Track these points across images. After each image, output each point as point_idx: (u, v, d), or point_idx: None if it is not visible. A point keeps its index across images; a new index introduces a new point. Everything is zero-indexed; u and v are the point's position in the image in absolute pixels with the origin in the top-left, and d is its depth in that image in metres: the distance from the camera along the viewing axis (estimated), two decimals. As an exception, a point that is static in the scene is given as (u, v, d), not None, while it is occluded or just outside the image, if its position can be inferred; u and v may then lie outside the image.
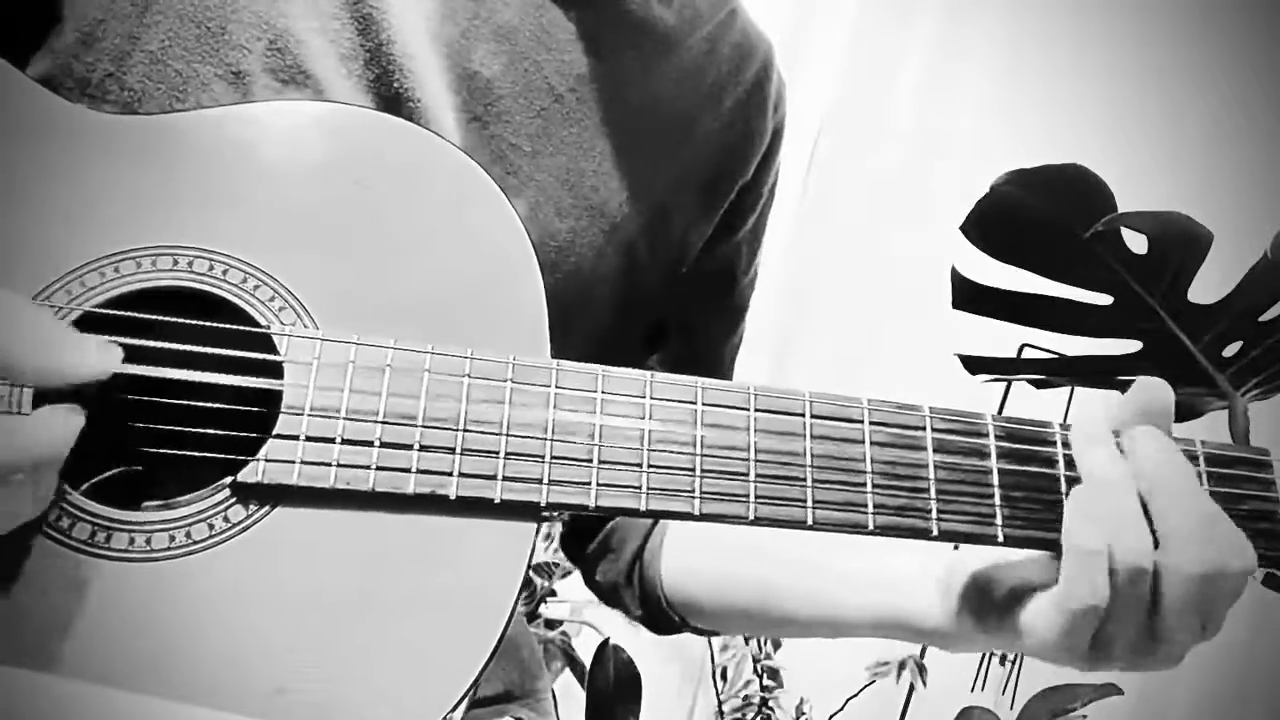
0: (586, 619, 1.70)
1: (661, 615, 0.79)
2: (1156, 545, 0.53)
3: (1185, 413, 0.73)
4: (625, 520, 0.82)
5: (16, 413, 0.48)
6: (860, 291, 2.12)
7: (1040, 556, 0.58)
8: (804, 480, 0.55)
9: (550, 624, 1.64)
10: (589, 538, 0.85)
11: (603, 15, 0.75)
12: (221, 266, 0.55)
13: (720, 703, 1.99)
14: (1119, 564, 0.53)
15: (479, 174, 0.59)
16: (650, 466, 0.54)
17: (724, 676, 2.01)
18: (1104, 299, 0.69)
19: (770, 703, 1.99)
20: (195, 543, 0.50)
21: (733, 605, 0.76)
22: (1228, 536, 0.54)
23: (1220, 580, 0.53)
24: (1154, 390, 0.58)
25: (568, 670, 1.59)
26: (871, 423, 0.56)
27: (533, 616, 1.58)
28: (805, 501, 0.54)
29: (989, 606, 0.60)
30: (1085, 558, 0.53)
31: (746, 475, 0.54)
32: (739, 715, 2.00)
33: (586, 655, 1.42)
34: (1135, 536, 0.53)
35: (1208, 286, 0.67)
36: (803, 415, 0.56)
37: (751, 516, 0.54)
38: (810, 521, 0.54)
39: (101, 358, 0.48)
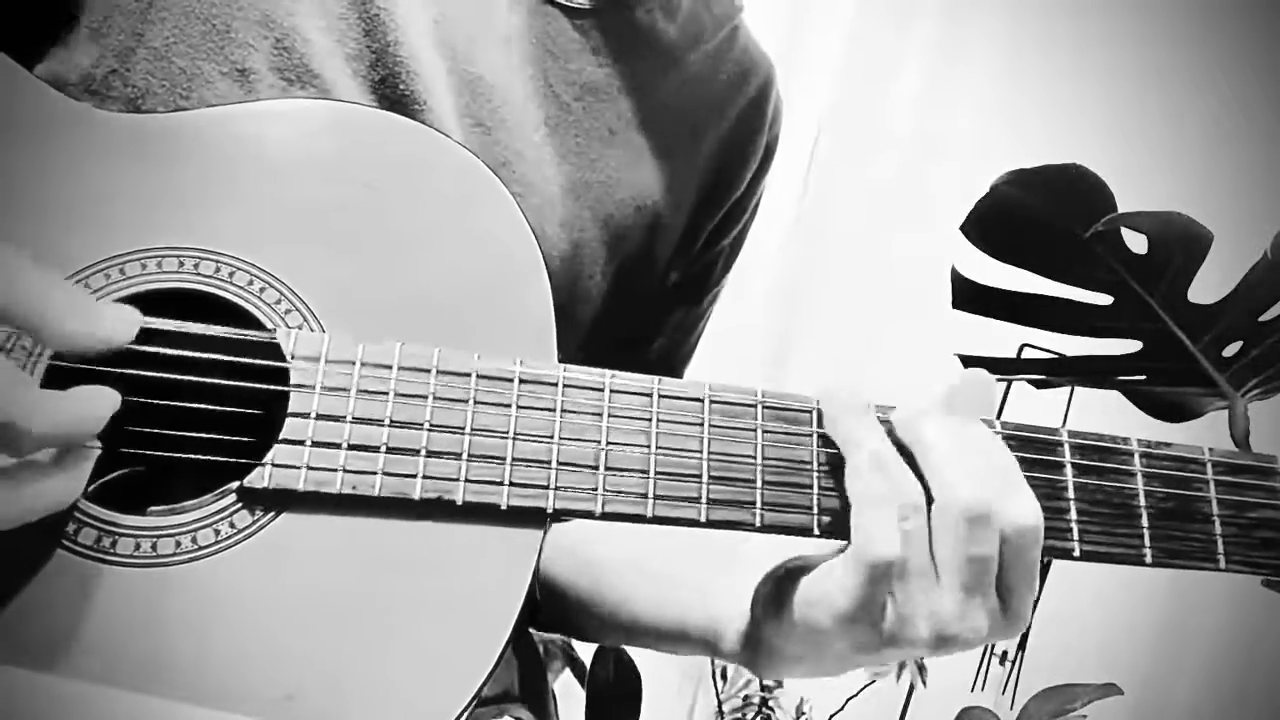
0: (586, 619, 1.70)
1: (536, 604, 0.77)
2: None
3: (1185, 413, 0.73)
4: None
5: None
6: (860, 292, 2.12)
7: (828, 549, 0.56)
8: (810, 486, 0.54)
9: (550, 624, 1.63)
10: None
11: (609, 26, 0.75)
12: (228, 269, 0.54)
13: (720, 703, 1.99)
14: (904, 510, 0.51)
15: (487, 175, 0.59)
16: (657, 473, 0.53)
17: (724, 676, 2.01)
18: (1104, 299, 0.69)
19: (770, 703, 1.99)
20: (201, 548, 0.50)
21: (585, 610, 0.73)
22: (999, 482, 0.52)
23: (990, 523, 0.51)
24: (975, 384, 0.57)
25: (568, 670, 1.59)
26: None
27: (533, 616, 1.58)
28: (812, 508, 0.54)
29: (785, 606, 0.57)
30: (873, 508, 0.52)
31: (754, 482, 0.54)
32: (739, 715, 2.00)
33: (586, 655, 1.42)
34: (913, 486, 0.52)
35: (1208, 286, 0.67)
36: (810, 421, 0.56)
37: (758, 524, 0.54)
38: (817, 530, 0.54)
39: (124, 326, 0.47)
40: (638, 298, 0.81)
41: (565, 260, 0.74)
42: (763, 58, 0.85)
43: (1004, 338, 0.79)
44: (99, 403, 0.46)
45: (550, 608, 0.78)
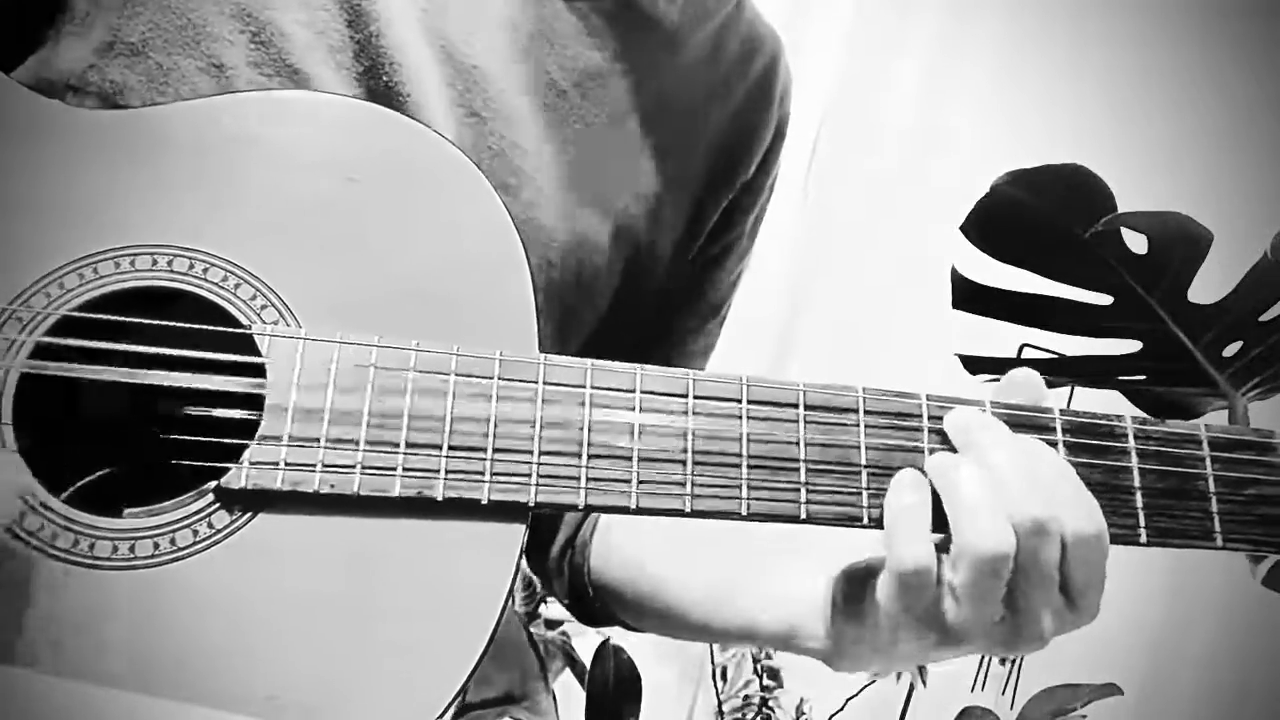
0: (586, 619, 1.70)
1: (588, 605, 0.78)
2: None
3: (1185, 413, 0.73)
4: None
5: None
6: (860, 291, 2.12)
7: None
8: (798, 474, 0.54)
9: (550, 624, 1.63)
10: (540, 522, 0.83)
11: (608, 8, 0.74)
12: (202, 265, 0.54)
13: (720, 703, 1.99)
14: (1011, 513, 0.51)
15: (468, 168, 0.58)
16: (641, 462, 0.53)
17: (724, 676, 2.01)
18: (1104, 299, 0.69)
19: (770, 703, 1.99)
20: (180, 549, 0.49)
21: (646, 606, 0.73)
22: (1065, 491, 0.52)
23: (1052, 532, 0.51)
24: (1025, 385, 0.57)
25: (568, 670, 1.59)
26: (866, 411, 0.55)
27: (533, 616, 1.58)
28: (799, 495, 0.54)
29: (853, 605, 0.57)
30: (902, 513, 0.52)
31: (739, 470, 0.53)
32: (739, 715, 2.00)
33: (586, 655, 1.42)
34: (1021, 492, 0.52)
35: (1208, 286, 0.67)
36: (797, 406, 0.55)
37: (745, 512, 0.53)
38: (804, 516, 0.53)
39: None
40: (648, 288, 0.80)
41: (567, 250, 0.72)
42: (769, 33, 0.83)
43: (1004, 338, 0.79)
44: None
45: (603, 606, 0.77)
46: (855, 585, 0.57)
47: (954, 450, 0.55)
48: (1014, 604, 0.52)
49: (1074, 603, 0.53)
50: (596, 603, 0.77)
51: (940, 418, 0.56)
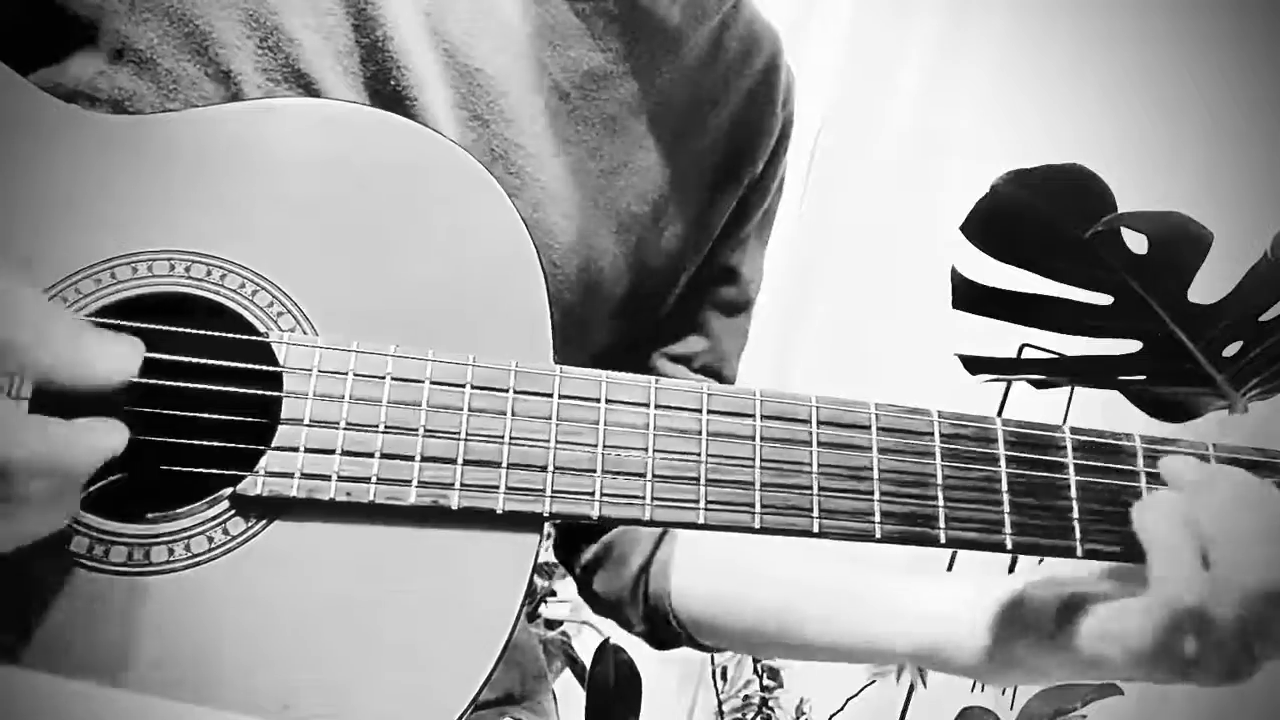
0: (586, 619, 1.70)
1: (668, 633, 0.77)
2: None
3: (1185, 413, 0.72)
4: (629, 530, 0.79)
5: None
6: (860, 291, 2.12)
7: (1093, 573, 0.57)
8: (810, 488, 0.54)
9: (550, 624, 1.64)
10: (583, 542, 0.82)
11: (608, 9, 0.74)
12: (219, 271, 0.54)
13: (720, 703, 1.99)
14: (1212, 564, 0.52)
15: (481, 173, 0.58)
16: (655, 475, 0.53)
17: (724, 676, 2.01)
18: (1104, 299, 0.69)
19: (770, 703, 1.99)
20: (195, 556, 0.49)
21: (752, 629, 0.73)
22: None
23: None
24: None
25: (568, 670, 1.59)
26: (879, 429, 0.56)
27: (533, 616, 1.58)
28: (811, 510, 0.54)
29: (1035, 631, 0.58)
30: (1176, 555, 0.52)
31: (752, 483, 0.54)
32: (739, 715, 2.00)
33: (586, 655, 1.42)
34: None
35: (1208, 286, 0.67)
36: (809, 421, 0.55)
37: (758, 526, 0.53)
38: (816, 530, 0.54)
39: (123, 363, 0.47)
40: (657, 292, 0.80)
41: (572, 253, 0.72)
42: (768, 31, 0.83)
43: (1004, 338, 0.78)
44: (100, 439, 0.44)
45: (685, 633, 0.76)
46: (1077, 602, 0.57)
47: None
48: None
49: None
50: (681, 630, 0.76)
51: (951, 435, 0.56)
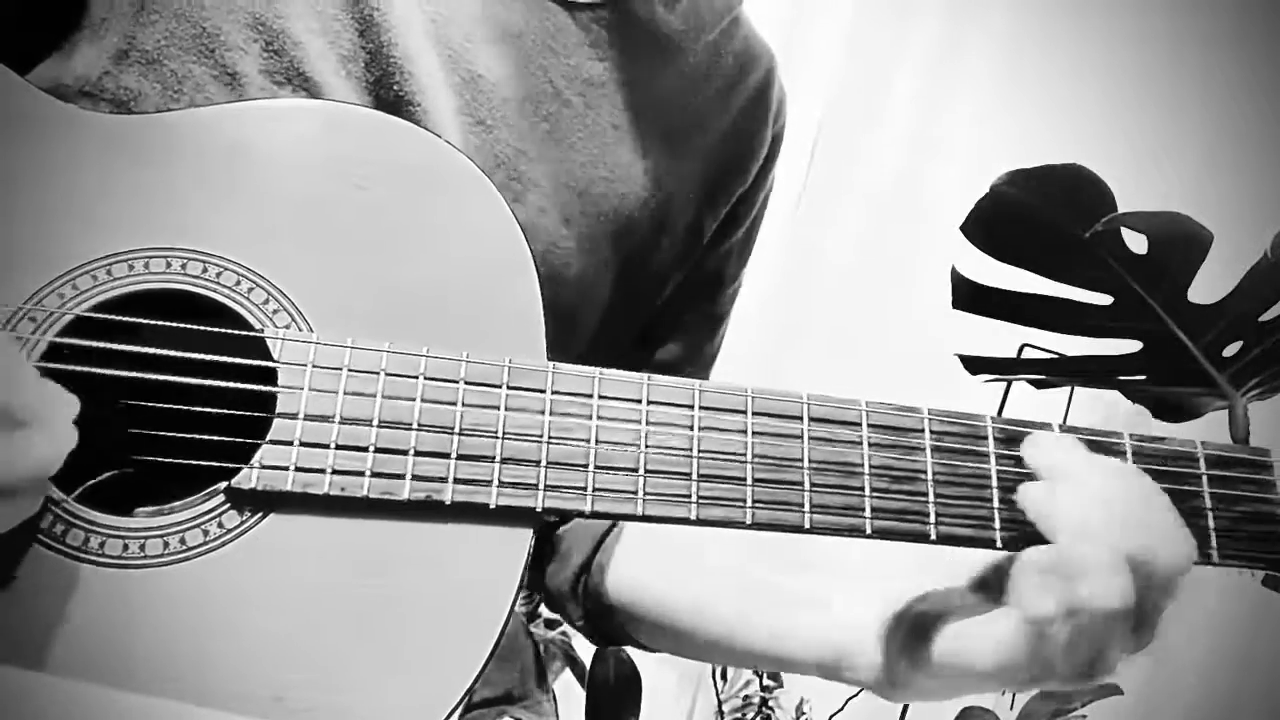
0: (586, 619, 1.69)
1: (605, 627, 0.77)
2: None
3: (1185, 413, 0.72)
4: (577, 525, 0.80)
5: None
6: (860, 292, 2.12)
7: (963, 588, 0.56)
8: (801, 484, 0.54)
9: (550, 624, 1.64)
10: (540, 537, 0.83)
11: (610, 19, 0.75)
12: (215, 269, 0.54)
13: (720, 703, 1.99)
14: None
15: (478, 176, 0.59)
16: (647, 471, 0.53)
17: (724, 676, 2.01)
18: (1104, 299, 0.69)
19: (770, 703, 1.99)
20: (190, 549, 0.49)
21: (673, 623, 0.72)
22: (1165, 530, 0.52)
23: (1145, 573, 0.51)
24: None
25: (568, 670, 1.59)
26: (869, 425, 0.56)
27: (533, 616, 1.58)
28: (803, 506, 0.54)
29: (923, 645, 0.57)
30: (1037, 573, 0.51)
31: (744, 479, 0.54)
32: (739, 715, 2.00)
33: (586, 655, 1.42)
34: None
35: (1208, 286, 0.67)
36: (801, 418, 0.55)
37: (749, 521, 0.53)
38: (808, 525, 0.54)
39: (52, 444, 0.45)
40: (646, 297, 0.81)
41: (571, 257, 0.73)
42: (764, 48, 0.84)
43: (1004, 338, 0.78)
44: (40, 450, 0.44)
45: (620, 626, 0.77)
46: (929, 621, 0.57)
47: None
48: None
49: (1139, 634, 0.53)
50: (615, 622, 0.76)
51: (941, 433, 0.56)
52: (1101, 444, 0.57)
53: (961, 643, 0.55)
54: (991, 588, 0.56)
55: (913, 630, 0.58)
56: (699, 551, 0.73)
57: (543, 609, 1.62)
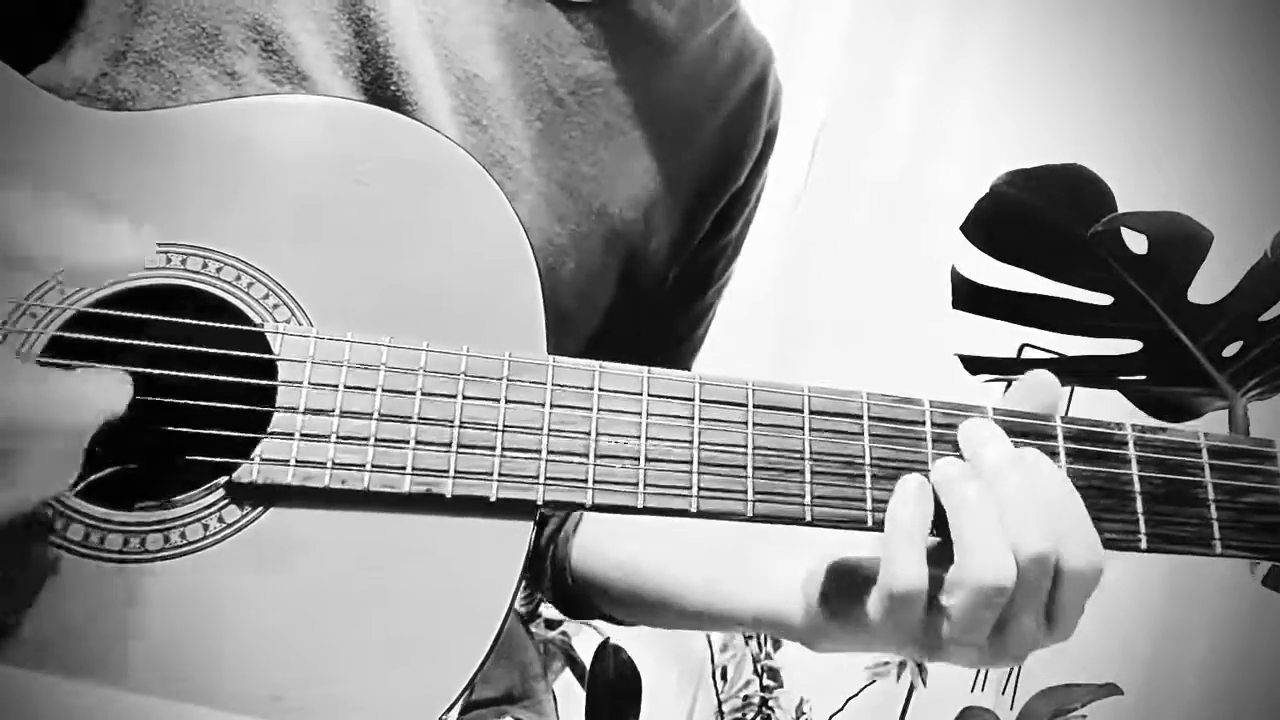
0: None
1: (570, 594, 0.79)
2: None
3: (1185, 412, 0.73)
4: None
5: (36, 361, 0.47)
6: (860, 291, 2.12)
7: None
8: (802, 476, 0.54)
9: (550, 624, 1.64)
10: None
11: (605, 17, 0.75)
12: (216, 264, 0.54)
13: (720, 703, 1.99)
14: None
15: (479, 171, 0.59)
16: (647, 463, 0.53)
17: (724, 676, 2.01)
18: (1104, 299, 0.69)
19: (770, 703, 1.99)
20: (190, 543, 0.49)
21: (630, 588, 0.74)
22: (1068, 523, 0.52)
23: (1051, 566, 0.51)
24: (1039, 387, 0.58)
25: (568, 670, 1.59)
26: (870, 417, 0.56)
27: (533, 616, 1.58)
28: (804, 498, 0.54)
29: (842, 601, 0.58)
30: (901, 528, 0.53)
31: (745, 472, 0.54)
32: (739, 715, 2.00)
33: (586, 655, 1.42)
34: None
35: (1208, 286, 0.67)
36: (801, 410, 0.55)
37: (750, 514, 0.53)
38: (809, 518, 0.54)
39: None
40: (642, 295, 0.81)
41: (566, 256, 0.73)
42: (761, 44, 0.84)
43: (1004, 338, 0.79)
44: (115, 389, 0.43)
45: (586, 599, 0.78)
46: (844, 582, 0.58)
47: (961, 457, 0.55)
48: (1000, 625, 0.53)
49: (1054, 624, 0.54)
50: (579, 596, 0.78)
51: (944, 425, 0.56)
52: (1034, 429, 0.57)
53: (856, 604, 0.56)
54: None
55: (836, 587, 0.59)
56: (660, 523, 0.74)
57: (543, 609, 1.62)
